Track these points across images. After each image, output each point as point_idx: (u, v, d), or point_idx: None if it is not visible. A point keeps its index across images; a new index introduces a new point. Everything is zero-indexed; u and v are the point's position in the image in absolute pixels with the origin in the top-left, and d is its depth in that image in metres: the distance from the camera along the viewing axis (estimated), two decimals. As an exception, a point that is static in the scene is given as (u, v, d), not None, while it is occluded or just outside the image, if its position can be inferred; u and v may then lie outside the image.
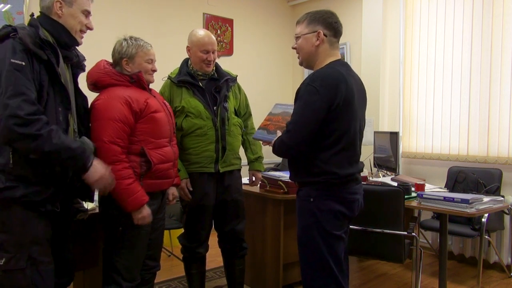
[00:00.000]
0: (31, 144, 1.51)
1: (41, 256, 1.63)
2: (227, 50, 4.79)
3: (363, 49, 4.41)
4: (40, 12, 1.72)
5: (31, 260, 1.59)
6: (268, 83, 5.15)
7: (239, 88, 2.66)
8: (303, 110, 1.79)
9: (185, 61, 2.53)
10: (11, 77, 1.49)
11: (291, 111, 2.28)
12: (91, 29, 1.79)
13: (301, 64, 2.02)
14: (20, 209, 1.57)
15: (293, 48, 2.00)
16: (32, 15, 1.72)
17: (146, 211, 1.95)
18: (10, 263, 1.55)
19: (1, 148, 1.55)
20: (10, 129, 1.47)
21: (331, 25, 1.90)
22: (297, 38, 1.96)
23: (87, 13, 1.75)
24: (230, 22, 4.81)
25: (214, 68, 2.52)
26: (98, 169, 1.68)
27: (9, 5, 3.35)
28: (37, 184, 1.59)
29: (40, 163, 1.58)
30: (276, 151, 1.94)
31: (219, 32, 4.69)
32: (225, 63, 3.93)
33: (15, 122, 1.47)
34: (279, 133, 2.09)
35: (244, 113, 2.66)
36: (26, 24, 1.67)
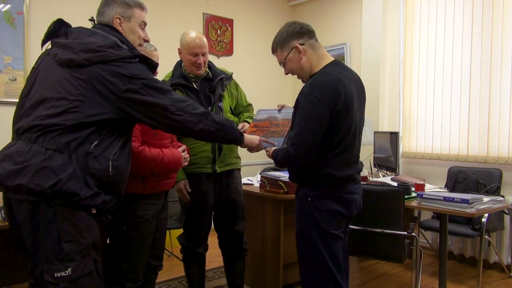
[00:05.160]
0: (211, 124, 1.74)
1: (98, 256, 1.63)
2: (227, 50, 4.79)
3: (363, 49, 4.41)
4: (107, 25, 1.69)
5: (95, 263, 1.59)
6: (268, 83, 5.15)
7: (236, 85, 2.63)
8: (307, 121, 1.77)
9: (179, 63, 2.52)
10: (160, 84, 1.64)
11: (278, 115, 2.30)
12: (147, 41, 1.82)
13: (303, 81, 1.99)
14: (85, 215, 1.54)
15: (286, 73, 2.01)
16: (92, 19, 1.73)
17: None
18: (78, 271, 1.50)
19: (98, 154, 1.53)
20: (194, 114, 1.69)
21: (300, 33, 1.90)
22: (283, 64, 1.97)
23: (144, 25, 1.77)
24: (230, 22, 4.81)
25: (207, 68, 2.50)
26: (251, 137, 2.02)
27: (9, 5, 3.35)
28: (111, 193, 1.61)
29: (126, 175, 1.68)
30: (281, 163, 1.93)
31: (219, 32, 4.69)
32: (225, 63, 3.94)
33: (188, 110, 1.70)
34: (273, 141, 2.10)
35: (244, 109, 2.65)
36: (93, 28, 1.67)
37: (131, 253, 1.99)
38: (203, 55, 2.38)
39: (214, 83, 2.46)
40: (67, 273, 1.48)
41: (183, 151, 2.13)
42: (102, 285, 1.64)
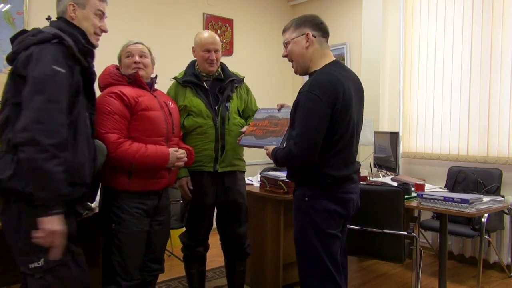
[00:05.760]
0: (37, 154, 1.44)
1: (77, 248, 1.65)
2: (227, 50, 4.79)
3: (363, 49, 4.41)
4: (58, 17, 1.71)
5: (71, 253, 1.61)
6: (268, 83, 5.14)
7: (248, 90, 2.66)
8: (309, 119, 1.77)
9: (192, 63, 2.56)
10: (50, 83, 1.50)
11: (277, 114, 2.31)
12: (105, 31, 1.78)
13: (296, 72, 2.00)
14: None
15: (284, 56, 2.00)
16: (49, 18, 1.73)
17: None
18: (50, 261, 1.54)
19: None
20: (33, 132, 1.43)
21: (318, 26, 1.92)
22: (287, 44, 1.96)
23: (100, 14, 1.75)
24: (230, 22, 4.81)
25: (220, 68, 2.54)
26: (58, 223, 1.49)
27: (9, 5, 3.35)
28: (71, 185, 1.60)
29: (79, 164, 1.62)
30: (282, 163, 1.92)
31: (219, 32, 4.69)
32: (225, 63, 3.93)
33: (40, 128, 1.43)
34: (272, 140, 2.10)
35: (252, 114, 2.65)
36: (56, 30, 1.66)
37: (121, 250, 1.99)
38: (216, 51, 2.44)
39: (225, 84, 2.50)
40: (40, 264, 1.53)
41: (176, 151, 2.09)
42: (84, 276, 1.66)
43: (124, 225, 1.99)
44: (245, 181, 2.65)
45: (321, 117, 1.76)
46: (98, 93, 2.06)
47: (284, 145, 2.05)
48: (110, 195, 2.03)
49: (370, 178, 3.57)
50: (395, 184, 3.06)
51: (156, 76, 2.23)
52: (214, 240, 2.67)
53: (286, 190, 2.73)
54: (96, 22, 1.73)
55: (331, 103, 1.76)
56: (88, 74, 1.68)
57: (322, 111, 1.75)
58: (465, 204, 2.48)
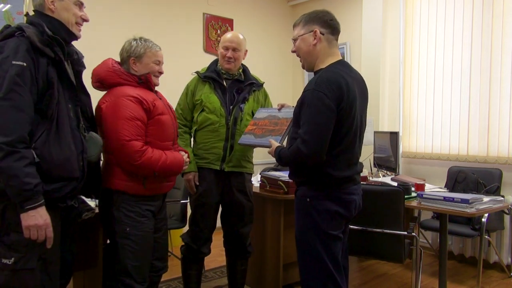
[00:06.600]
0: None
1: (51, 256, 1.62)
2: (227, 50, 4.79)
3: (363, 49, 4.41)
4: (34, 10, 1.69)
5: (42, 261, 1.58)
6: (268, 83, 5.10)
7: (266, 95, 2.72)
8: (316, 117, 1.75)
9: (215, 61, 2.61)
10: (4, 80, 1.48)
11: (277, 113, 2.31)
12: (86, 20, 1.76)
13: (303, 67, 2.01)
14: None
15: (293, 51, 2.00)
16: (27, 14, 1.71)
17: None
18: (20, 263, 1.53)
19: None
20: None
21: (326, 23, 1.90)
22: (295, 40, 1.96)
23: (80, 4, 1.73)
24: (230, 22, 4.81)
25: (241, 69, 2.58)
26: (38, 217, 1.51)
27: (9, 5, 3.35)
28: (59, 180, 1.59)
29: (64, 159, 1.59)
30: (287, 162, 1.90)
31: (219, 32, 4.69)
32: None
33: None
34: (271, 139, 2.09)
35: None
36: (25, 23, 1.65)
37: (137, 253, 1.97)
38: (233, 50, 2.47)
39: (243, 86, 2.55)
40: (10, 262, 1.53)
41: (183, 155, 2.11)
42: (51, 286, 1.62)
43: (139, 228, 1.96)
44: (251, 182, 2.67)
45: (329, 114, 1.75)
46: (88, 86, 2.00)
47: (284, 143, 2.04)
48: (121, 199, 1.97)
49: (370, 178, 3.58)
50: (395, 184, 3.06)
51: None
52: (214, 240, 2.67)
53: (286, 190, 2.73)
54: (76, 12, 1.71)
55: (337, 101, 1.76)
56: (61, 65, 1.63)
57: (329, 108, 1.74)
58: (465, 204, 2.48)
